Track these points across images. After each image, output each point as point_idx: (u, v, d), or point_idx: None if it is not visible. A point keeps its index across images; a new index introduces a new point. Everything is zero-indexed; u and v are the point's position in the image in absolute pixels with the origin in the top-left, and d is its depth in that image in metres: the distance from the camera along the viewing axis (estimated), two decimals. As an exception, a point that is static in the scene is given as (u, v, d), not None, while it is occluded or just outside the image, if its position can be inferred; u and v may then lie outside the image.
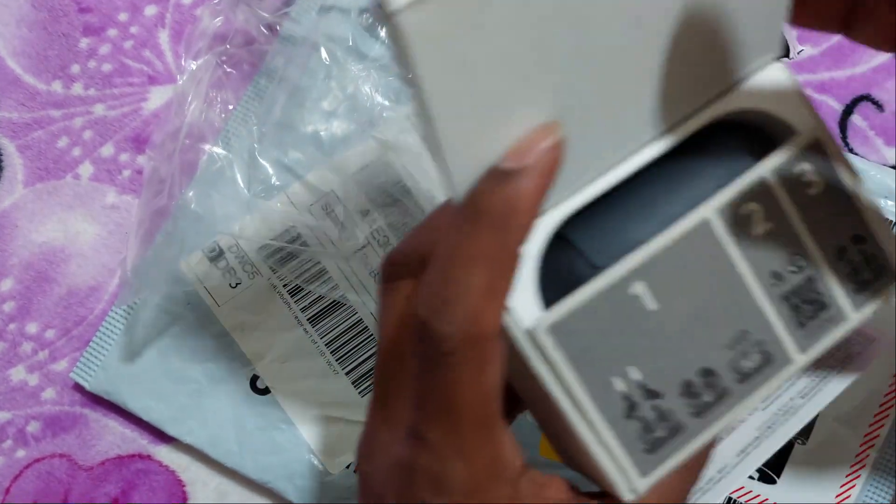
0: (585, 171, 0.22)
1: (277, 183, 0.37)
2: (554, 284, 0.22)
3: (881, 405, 0.37)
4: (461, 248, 0.19)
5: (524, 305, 0.21)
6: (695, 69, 0.22)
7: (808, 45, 0.42)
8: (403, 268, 0.23)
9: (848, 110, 0.41)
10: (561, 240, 0.22)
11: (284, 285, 0.37)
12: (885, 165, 0.40)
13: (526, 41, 0.17)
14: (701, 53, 0.21)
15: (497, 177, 0.19)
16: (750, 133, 0.24)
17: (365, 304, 0.37)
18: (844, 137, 0.41)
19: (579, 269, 0.22)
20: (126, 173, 0.39)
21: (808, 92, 0.42)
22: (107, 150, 0.39)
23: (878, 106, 0.41)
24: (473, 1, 0.14)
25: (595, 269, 0.22)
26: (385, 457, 0.22)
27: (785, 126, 0.23)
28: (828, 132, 0.23)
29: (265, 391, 0.37)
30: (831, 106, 0.41)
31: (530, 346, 0.21)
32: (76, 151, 0.39)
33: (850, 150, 0.41)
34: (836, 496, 0.36)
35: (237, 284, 0.37)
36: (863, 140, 0.41)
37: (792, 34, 0.38)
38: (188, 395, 0.36)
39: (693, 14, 0.20)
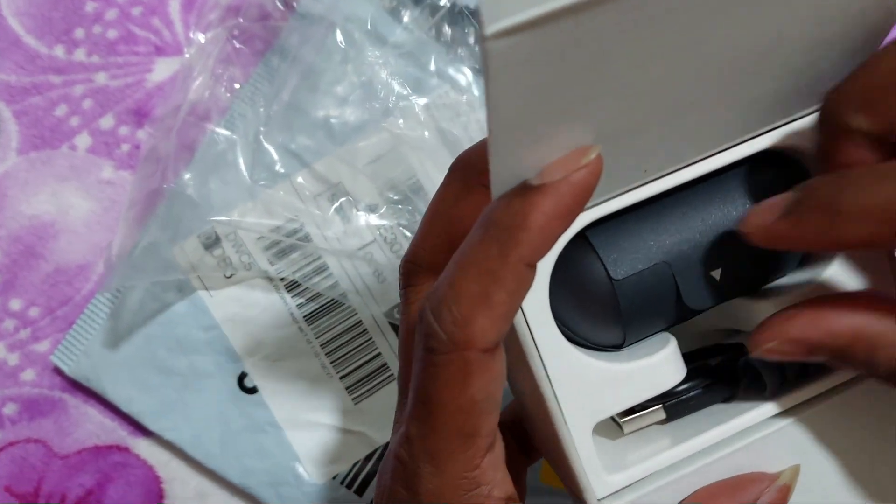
0: (622, 182, 0.22)
1: (282, 170, 0.34)
2: (567, 281, 0.22)
3: None
4: (464, 254, 0.19)
5: (533, 305, 0.22)
6: (752, 109, 0.22)
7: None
8: (421, 266, 0.24)
9: None
10: (583, 239, 0.22)
11: (282, 279, 0.35)
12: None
13: (594, 76, 0.17)
14: (765, 100, 0.21)
15: (518, 191, 0.19)
16: (784, 163, 0.24)
17: (366, 306, 0.35)
18: None
19: (596, 278, 0.22)
20: (125, 147, 0.37)
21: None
22: (106, 122, 0.37)
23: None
24: (560, 37, 0.16)
25: (611, 282, 0.22)
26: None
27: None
28: None
29: (253, 390, 0.35)
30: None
31: (531, 344, 0.22)
32: (74, 121, 0.37)
33: None
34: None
35: (232, 275, 0.35)
36: None
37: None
38: (172, 389, 0.34)
39: (775, 68, 0.20)
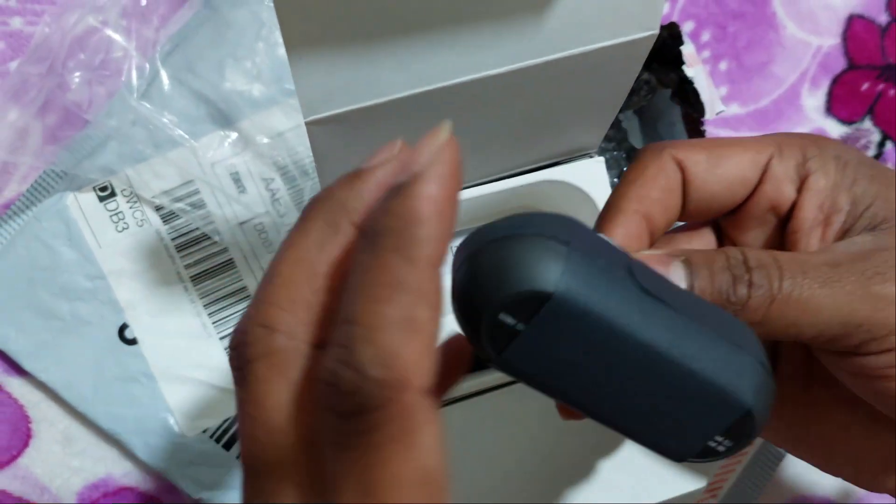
0: None
1: (185, 135, 0.36)
2: None
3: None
4: (361, 282, 0.15)
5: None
6: (522, 154, 0.30)
7: (736, 104, 0.43)
8: (281, 329, 0.17)
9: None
10: None
11: (173, 239, 0.36)
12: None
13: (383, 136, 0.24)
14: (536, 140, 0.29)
15: (392, 191, 0.16)
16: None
17: (252, 273, 0.37)
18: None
19: None
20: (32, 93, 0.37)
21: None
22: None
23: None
24: (353, 119, 0.23)
25: None
26: None
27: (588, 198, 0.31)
28: None
29: (132, 342, 0.36)
30: (745, 166, 0.42)
31: None
32: (-17, 61, 0.37)
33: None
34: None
35: (124, 230, 0.36)
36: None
37: (716, 93, 0.39)
38: (51, 332, 0.35)
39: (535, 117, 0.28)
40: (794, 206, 0.24)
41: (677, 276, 0.21)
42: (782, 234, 0.24)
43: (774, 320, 0.21)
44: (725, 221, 0.26)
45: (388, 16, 0.21)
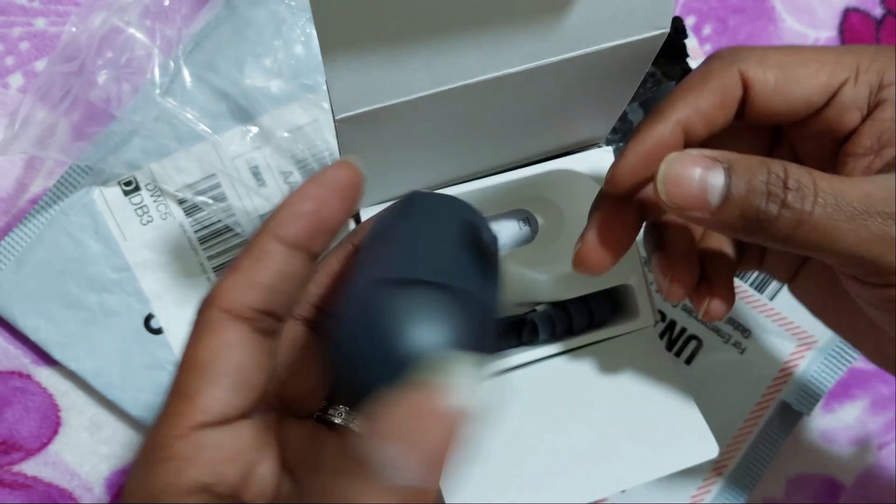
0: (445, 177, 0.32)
1: (208, 129, 0.37)
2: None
3: (740, 429, 0.39)
4: None
5: None
6: (513, 150, 0.32)
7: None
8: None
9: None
10: None
11: (195, 231, 0.37)
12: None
13: (398, 133, 0.26)
14: (541, 132, 0.31)
15: None
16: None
17: (272, 264, 0.38)
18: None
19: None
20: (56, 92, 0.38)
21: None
22: (41, 66, 0.38)
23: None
24: (379, 117, 0.25)
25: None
26: None
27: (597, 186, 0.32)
28: None
29: (158, 331, 0.37)
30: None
31: None
32: (9, 60, 0.38)
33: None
34: (691, 496, 0.39)
35: (148, 223, 0.37)
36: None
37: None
38: (79, 323, 0.36)
39: (545, 114, 0.29)
40: (854, 129, 0.24)
41: (716, 180, 0.21)
42: (836, 146, 0.24)
43: (798, 241, 0.21)
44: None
45: (415, 20, 0.22)
